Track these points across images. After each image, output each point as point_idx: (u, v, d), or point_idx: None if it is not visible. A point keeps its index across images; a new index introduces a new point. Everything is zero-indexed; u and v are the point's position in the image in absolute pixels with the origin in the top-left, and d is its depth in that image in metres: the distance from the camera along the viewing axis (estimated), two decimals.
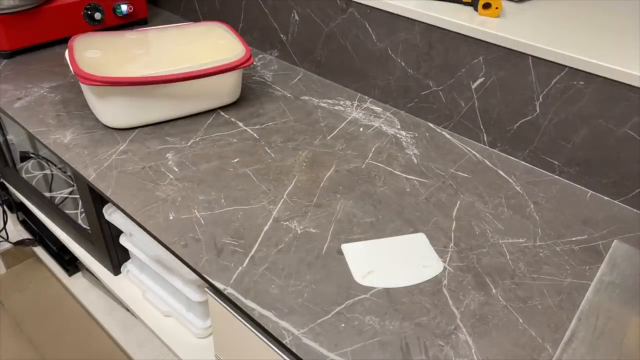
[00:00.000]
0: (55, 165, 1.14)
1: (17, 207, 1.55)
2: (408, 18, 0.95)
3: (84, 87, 0.92)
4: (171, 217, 0.75)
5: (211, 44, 0.97)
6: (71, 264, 1.51)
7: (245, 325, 0.68)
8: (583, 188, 0.88)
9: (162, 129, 0.94)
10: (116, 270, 1.15)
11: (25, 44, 1.15)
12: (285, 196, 0.81)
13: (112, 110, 0.90)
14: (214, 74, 0.91)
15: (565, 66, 0.80)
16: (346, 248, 0.72)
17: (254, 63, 1.21)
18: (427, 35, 0.94)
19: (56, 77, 1.08)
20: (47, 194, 1.23)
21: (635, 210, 0.83)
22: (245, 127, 0.97)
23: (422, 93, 1.01)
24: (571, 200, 0.85)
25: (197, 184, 0.82)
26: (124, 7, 1.26)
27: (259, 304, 0.63)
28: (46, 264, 1.59)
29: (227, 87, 0.99)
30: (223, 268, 0.68)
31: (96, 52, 0.91)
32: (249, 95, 1.08)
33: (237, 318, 0.68)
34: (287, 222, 0.76)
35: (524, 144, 0.91)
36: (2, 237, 1.59)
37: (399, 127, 1.01)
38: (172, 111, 0.95)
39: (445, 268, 0.70)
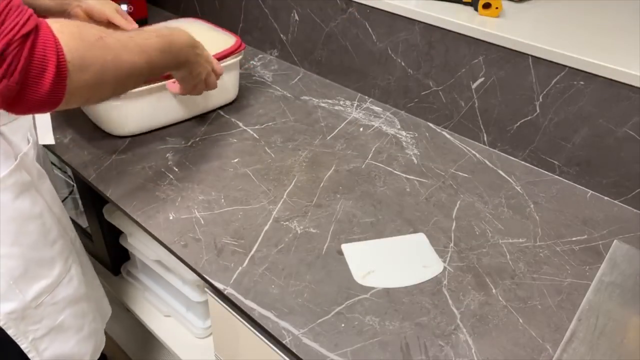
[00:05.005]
0: (55, 165, 1.14)
1: None
2: (408, 18, 0.95)
3: None
4: (171, 217, 0.75)
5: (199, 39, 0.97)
6: None
7: (245, 325, 0.68)
8: (583, 188, 0.88)
9: (162, 128, 0.94)
10: (116, 271, 1.15)
11: None
12: (285, 196, 0.80)
13: (121, 118, 0.89)
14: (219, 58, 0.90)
15: (565, 66, 0.80)
16: (346, 248, 0.72)
17: (254, 63, 1.21)
18: (427, 35, 0.94)
19: None
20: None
21: (635, 210, 0.83)
22: (245, 127, 0.97)
23: (422, 93, 1.01)
24: (571, 200, 0.85)
25: (197, 184, 0.82)
26: (124, 7, 1.26)
27: (259, 304, 0.63)
28: None
29: (226, 84, 0.99)
30: (223, 268, 0.68)
31: None
32: (249, 95, 1.08)
33: (237, 318, 0.68)
34: (287, 222, 0.76)
35: (524, 144, 0.91)
36: None
37: (399, 127, 1.01)
38: (175, 114, 0.95)
39: (445, 268, 0.70)
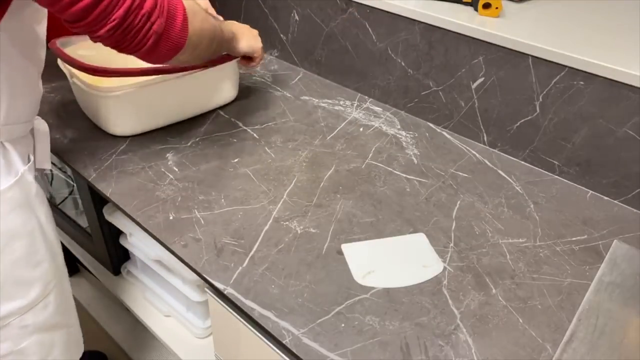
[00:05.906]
0: (55, 165, 1.14)
1: None
2: (408, 18, 0.95)
3: (88, 98, 0.90)
4: (171, 217, 0.75)
5: None
6: (71, 264, 1.51)
7: (245, 325, 0.68)
8: (583, 188, 0.88)
9: (162, 128, 0.94)
10: (116, 271, 1.15)
11: None
12: (285, 196, 0.80)
13: (121, 118, 0.89)
14: (216, 62, 0.91)
15: (565, 66, 0.80)
16: (346, 248, 0.72)
17: None
18: (427, 35, 0.94)
19: (56, 77, 1.08)
20: (47, 194, 1.23)
21: (635, 210, 0.83)
22: (245, 127, 0.97)
23: (422, 93, 1.01)
24: (571, 200, 0.85)
25: (197, 184, 0.82)
26: None
27: (259, 304, 0.63)
28: None
29: (226, 84, 0.99)
30: (223, 268, 0.68)
31: (89, 51, 0.90)
32: (249, 95, 1.08)
33: (237, 318, 0.68)
34: (287, 222, 0.76)
35: (524, 144, 0.91)
36: None
37: (399, 127, 1.01)
38: (175, 114, 0.95)
39: (445, 268, 0.70)
